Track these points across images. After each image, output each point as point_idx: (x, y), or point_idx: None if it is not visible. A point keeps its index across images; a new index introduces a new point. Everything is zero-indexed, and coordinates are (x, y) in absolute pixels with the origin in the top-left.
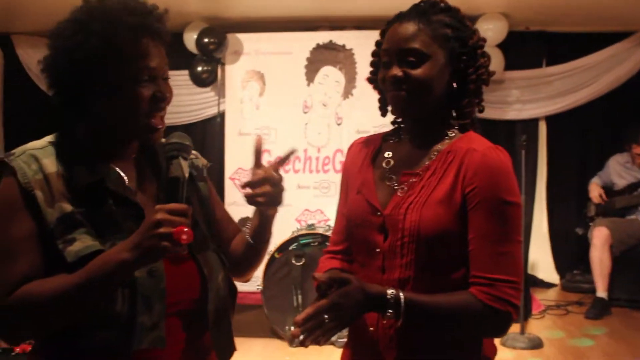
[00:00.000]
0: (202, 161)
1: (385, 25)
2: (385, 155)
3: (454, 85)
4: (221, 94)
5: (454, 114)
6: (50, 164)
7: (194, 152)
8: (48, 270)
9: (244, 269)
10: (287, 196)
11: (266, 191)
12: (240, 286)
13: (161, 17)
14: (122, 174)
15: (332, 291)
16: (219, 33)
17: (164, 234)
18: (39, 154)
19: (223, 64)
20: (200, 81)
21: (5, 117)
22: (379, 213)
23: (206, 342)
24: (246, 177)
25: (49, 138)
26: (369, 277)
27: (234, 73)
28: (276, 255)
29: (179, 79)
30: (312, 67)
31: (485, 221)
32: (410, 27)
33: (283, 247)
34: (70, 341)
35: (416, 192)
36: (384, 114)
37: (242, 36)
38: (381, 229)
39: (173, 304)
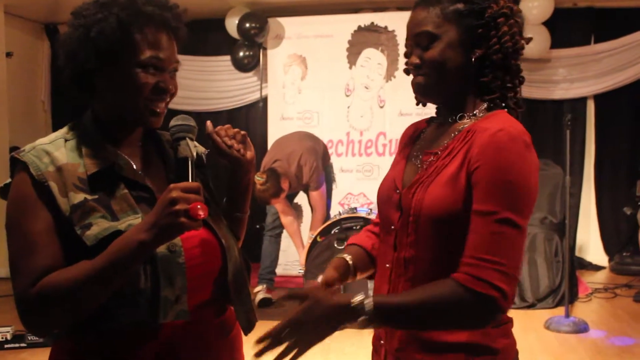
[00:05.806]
0: (200, 149)
1: None
2: (422, 136)
3: (472, 60)
4: (263, 78)
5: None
6: (61, 156)
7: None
8: (69, 259)
9: None
10: None
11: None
12: (283, 270)
13: (179, 16)
14: (130, 160)
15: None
16: (261, 17)
17: (180, 210)
18: (49, 147)
19: (265, 49)
20: (242, 66)
21: (53, 105)
22: (397, 191)
23: (230, 314)
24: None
25: (57, 132)
26: (385, 253)
27: (275, 57)
28: (318, 239)
29: (221, 65)
30: (354, 49)
31: (483, 199)
32: (421, 12)
33: (325, 231)
34: (98, 322)
35: (429, 171)
36: (418, 102)
37: (283, 20)
38: (398, 207)
39: (194, 277)
